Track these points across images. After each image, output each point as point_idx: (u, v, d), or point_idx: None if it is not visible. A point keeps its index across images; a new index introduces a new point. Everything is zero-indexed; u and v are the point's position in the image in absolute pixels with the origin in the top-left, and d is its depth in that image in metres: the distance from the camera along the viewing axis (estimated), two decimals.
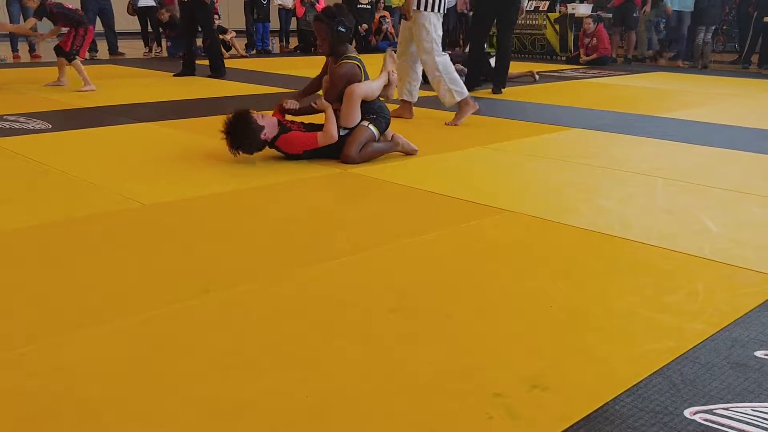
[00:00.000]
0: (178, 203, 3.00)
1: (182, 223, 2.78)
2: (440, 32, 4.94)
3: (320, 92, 4.04)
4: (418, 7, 4.82)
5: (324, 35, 3.80)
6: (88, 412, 1.49)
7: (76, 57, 6.43)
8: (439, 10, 4.87)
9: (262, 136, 3.63)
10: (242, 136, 3.58)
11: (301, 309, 2.00)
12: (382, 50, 12.47)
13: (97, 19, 9.85)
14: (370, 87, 3.82)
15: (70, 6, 6.61)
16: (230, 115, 3.62)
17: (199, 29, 7.75)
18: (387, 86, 3.97)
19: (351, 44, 3.94)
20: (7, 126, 4.57)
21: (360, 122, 3.77)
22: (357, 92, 3.73)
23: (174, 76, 7.84)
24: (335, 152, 3.74)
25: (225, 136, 3.60)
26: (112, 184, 3.27)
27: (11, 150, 3.95)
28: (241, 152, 3.66)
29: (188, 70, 7.87)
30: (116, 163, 3.68)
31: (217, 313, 1.96)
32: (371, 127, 3.80)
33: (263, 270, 2.28)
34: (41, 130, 4.52)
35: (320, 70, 4.11)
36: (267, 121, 3.65)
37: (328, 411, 1.50)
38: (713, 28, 10.06)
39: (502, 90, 6.72)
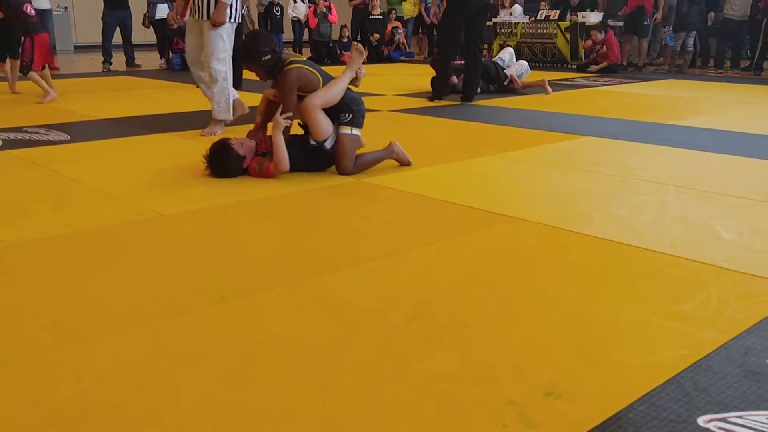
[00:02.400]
0: (194, 213, 3.05)
1: (199, 232, 2.82)
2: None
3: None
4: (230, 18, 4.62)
5: (256, 71, 3.67)
6: (107, 419, 1.52)
7: (30, 70, 6.40)
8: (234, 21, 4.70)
9: (244, 165, 3.65)
10: (225, 166, 3.61)
11: (316, 317, 2.03)
12: (395, 60, 12.55)
13: (117, 30, 9.99)
14: (329, 93, 3.59)
15: (31, 11, 6.56)
16: (210, 147, 3.64)
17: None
18: (354, 80, 3.78)
19: (280, 58, 3.67)
20: (27, 137, 4.65)
21: (339, 129, 3.63)
22: (314, 104, 3.54)
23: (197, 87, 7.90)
24: (325, 163, 3.72)
25: (207, 167, 3.63)
26: (130, 194, 3.32)
27: (32, 161, 4.02)
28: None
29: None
30: (135, 174, 3.74)
31: (233, 322, 2.00)
32: (353, 131, 3.67)
33: (279, 279, 2.31)
34: (60, 142, 4.59)
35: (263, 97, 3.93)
36: (246, 149, 3.65)
37: (344, 419, 1.53)
38: (694, 33, 10.19)
39: (472, 101, 6.65)
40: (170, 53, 10.62)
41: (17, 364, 1.75)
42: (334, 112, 3.63)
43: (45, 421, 1.52)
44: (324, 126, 3.60)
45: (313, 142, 3.66)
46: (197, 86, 5.07)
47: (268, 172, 3.59)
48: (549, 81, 7.73)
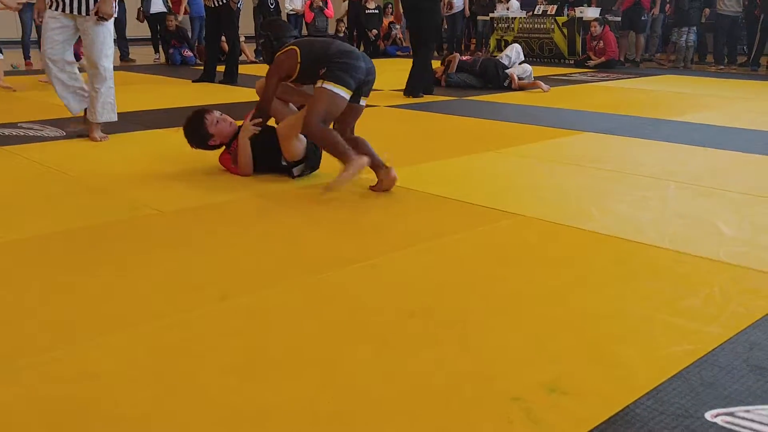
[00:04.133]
0: (194, 210, 3.02)
1: (198, 229, 2.80)
2: None
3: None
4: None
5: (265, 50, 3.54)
6: (109, 417, 1.50)
7: None
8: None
9: (210, 142, 3.59)
10: (190, 135, 3.59)
11: (318, 314, 2.02)
12: (391, 55, 12.52)
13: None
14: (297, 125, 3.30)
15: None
16: (192, 112, 3.63)
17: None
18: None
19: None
20: (22, 133, 4.62)
21: (320, 83, 3.20)
22: (287, 134, 3.32)
23: (193, 82, 7.88)
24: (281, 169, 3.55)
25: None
26: (128, 191, 3.30)
27: (27, 157, 3.98)
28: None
29: (207, 76, 7.88)
30: (131, 170, 3.71)
31: (234, 320, 1.98)
32: (325, 84, 3.17)
33: (280, 276, 2.30)
34: (55, 138, 4.55)
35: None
36: (219, 129, 3.56)
37: (347, 416, 1.51)
38: (695, 29, 10.18)
39: (420, 95, 6.61)
40: (170, 49, 10.55)
41: (16, 364, 1.73)
42: (314, 69, 3.26)
43: (45, 420, 1.50)
44: (295, 149, 3.41)
45: (284, 163, 3.51)
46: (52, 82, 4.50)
47: (234, 171, 3.58)
48: (547, 76, 7.71)
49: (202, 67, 8.20)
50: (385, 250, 2.53)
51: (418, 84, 6.68)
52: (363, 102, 3.42)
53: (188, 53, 10.43)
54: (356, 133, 3.49)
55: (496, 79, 7.40)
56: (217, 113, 3.61)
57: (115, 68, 4.55)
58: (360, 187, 3.43)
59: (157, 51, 11.10)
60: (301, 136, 3.38)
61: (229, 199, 3.17)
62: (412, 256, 2.48)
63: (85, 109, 4.48)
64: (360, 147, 3.33)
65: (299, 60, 3.27)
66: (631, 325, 1.96)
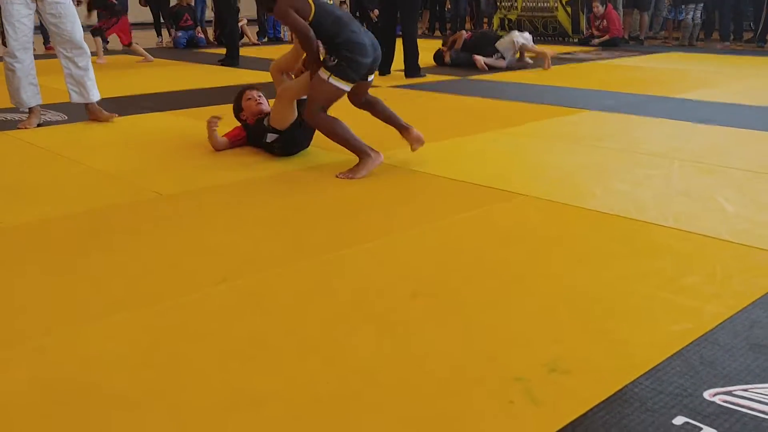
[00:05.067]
0: (194, 193, 3.03)
1: (199, 212, 2.80)
2: None
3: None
4: None
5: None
6: (108, 401, 1.51)
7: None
8: None
9: (241, 116, 3.79)
10: (233, 104, 3.84)
11: (319, 296, 2.02)
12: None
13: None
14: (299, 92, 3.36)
15: None
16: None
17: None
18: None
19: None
20: (25, 118, 4.61)
21: (325, 74, 3.15)
22: (288, 96, 3.35)
23: (219, 62, 7.94)
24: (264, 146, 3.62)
25: None
26: (129, 174, 3.30)
27: (29, 142, 3.99)
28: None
29: (231, 60, 7.82)
30: (132, 154, 3.71)
31: (235, 302, 1.99)
32: (330, 79, 3.13)
33: (280, 258, 2.30)
34: (57, 122, 4.55)
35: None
36: (248, 106, 3.75)
37: (349, 397, 1.52)
38: (701, 6, 10.04)
39: (420, 75, 6.56)
40: (177, 31, 10.47)
41: (18, 347, 1.74)
42: (323, 46, 3.19)
43: (47, 403, 1.51)
44: (283, 117, 3.42)
45: (267, 140, 3.54)
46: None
47: (232, 136, 3.76)
48: (552, 56, 7.59)
49: (207, 50, 8.18)
50: (386, 231, 2.53)
51: (417, 62, 6.65)
52: (371, 78, 3.42)
53: (200, 34, 10.39)
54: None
55: (489, 49, 7.28)
56: (256, 93, 3.78)
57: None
58: None
59: (159, 35, 11.03)
60: (294, 109, 3.45)
61: (229, 182, 3.17)
62: (414, 237, 2.48)
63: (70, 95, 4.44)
64: (377, 108, 3.45)
65: (313, 12, 3.13)
66: (631, 303, 1.96)
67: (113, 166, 3.46)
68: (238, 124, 3.82)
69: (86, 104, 4.49)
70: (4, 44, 4.17)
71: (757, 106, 4.97)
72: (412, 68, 6.61)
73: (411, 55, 6.61)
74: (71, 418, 1.46)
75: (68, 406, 1.50)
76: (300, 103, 3.48)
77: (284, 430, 1.41)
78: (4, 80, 4.37)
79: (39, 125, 4.40)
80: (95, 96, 4.45)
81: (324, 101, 3.21)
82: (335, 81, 3.14)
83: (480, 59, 7.20)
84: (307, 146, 3.68)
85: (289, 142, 3.57)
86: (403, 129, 3.40)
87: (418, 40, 6.71)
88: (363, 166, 3.20)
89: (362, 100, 3.47)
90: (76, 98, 4.44)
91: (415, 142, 3.39)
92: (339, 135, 3.24)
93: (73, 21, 4.26)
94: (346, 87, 3.19)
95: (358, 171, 3.20)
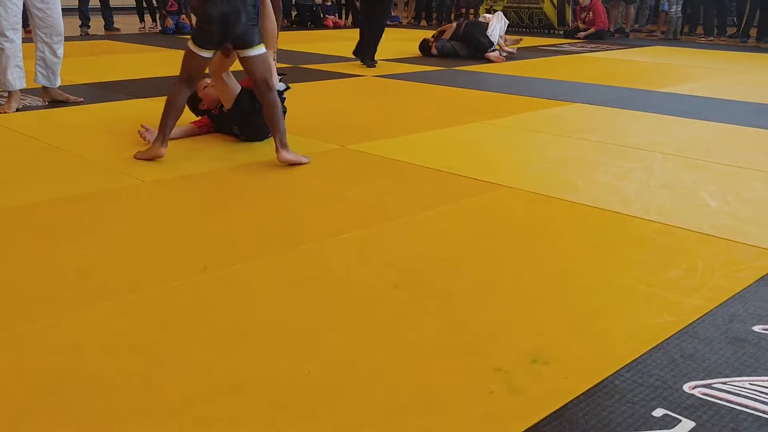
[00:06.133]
0: (176, 180, 2.99)
1: (181, 200, 2.77)
2: None
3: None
4: None
5: None
6: (88, 389, 1.50)
7: None
8: None
9: (200, 106, 3.78)
10: (189, 102, 3.68)
11: (301, 286, 2.01)
12: (394, 23, 12.36)
13: None
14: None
15: None
16: None
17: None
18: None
19: None
20: (3, 102, 4.53)
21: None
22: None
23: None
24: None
25: None
26: (111, 161, 3.25)
27: (8, 127, 3.92)
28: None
29: None
30: (114, 140, 3.66)
31: (216, 291, 1.97)
32: (190, 45, 3.23)
33: (262, 247, 2.28)
34: (37, 107, 4.48)
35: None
36: (206, 94, 3.75)
37: (329, 387, 1.51)
38: (682, 0, 10.11)
39: (374, 63, 6.62)
40: (167, 15, 10.31)
41: (1, 335, 1.71)
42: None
43: (27, 391, 1.49)
44: (225, 93, 3.56)
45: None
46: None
47: (200, 123, 3.77)
48: (536, 47, 7.60)
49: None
50: (369, 222, 2.52)
51: (374, 50, 6.67)
52: (252, 52, 3.21)
53: (185, 19, 10.23)
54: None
55: (478, 45, 7.29)
56: (207, 80, 3.71)
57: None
58: (342, 159, 3.41)
59: (142, 20, 10.89)
60: (231, 83, 3.55)
61: (211, 170, 3.14)
62: (397, 228, 2.47)
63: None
64: (263, 105, 3.29)
65: None
66: (613, 296, 1.96)
67: (94, 151, 3.41)
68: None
69: (47, 87, 4.55)
70: None
71: (741, 101, 5.01)
72: (367, 54, 6.61)
73: (370, 42, 6.61)
74: (53, 405, 1.44)
75: (49, 393, 1.48)
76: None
77: (265, 418, 1.40)
78: None
79: (18, 110, 4.34)
80: (58, 82, 4.56)
81: (186, 66, 3.27)
82: (192, 46, 3.23)
83: (494, 56, 7.20)
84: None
85: (249, 127, 3.62)
86: (277, 145, 3.21)
87: (408, 30, 6.69)
88: (149, 151, 3.25)
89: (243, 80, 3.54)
90: (42, 81, 4.48)
91: (281, 160, 3.20)
92: (165, 108, 3.28)
93: (59, 9, 4.34)
94: (203, 53, 3.21)
95: (145, 153, 3.27)
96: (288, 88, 3.71)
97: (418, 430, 1.38)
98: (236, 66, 3.43)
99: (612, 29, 10.55)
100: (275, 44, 3.47)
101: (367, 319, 1.82)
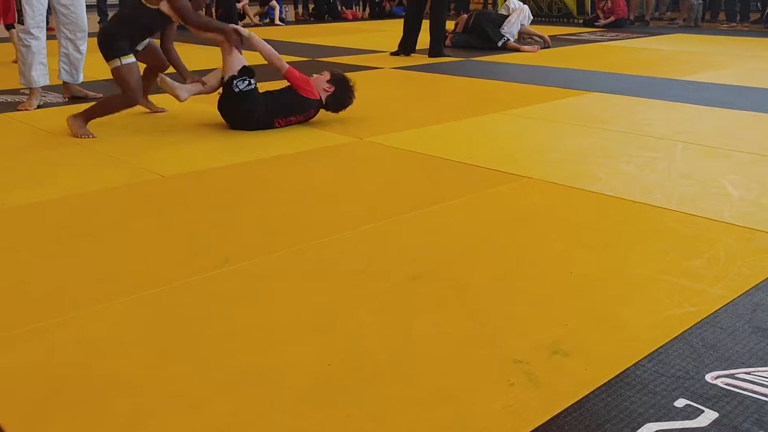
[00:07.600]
0: (196, 174, 3.02)
1: (201, 194, 2.79)
2: None
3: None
4: None
5: None
6: (109, 384, 1.51)
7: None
8: None
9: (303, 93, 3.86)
10: None
11: (321, 278, 2.02)
12: (397, 16, 12.33)
13: None
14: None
15: None
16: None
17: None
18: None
19: None
20: (24, 99, 4.59)
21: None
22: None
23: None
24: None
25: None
26: (130, 155, 3.29)
27: (29, 123, 3.97)
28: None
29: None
30: (133, 135, 3.69)
31: (237, 284, 1.98)
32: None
33: (282, 240, 2.29)
34: (57, 104, 4.53)
35: None
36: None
37: (349, 379, 1.52)
38: None
39: (444, 54, 6.70)
40: None
41: (16, 330, 1.74)
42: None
43: (44, 387, 1.51)
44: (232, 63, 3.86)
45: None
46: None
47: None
48: (555, 36, 7.54)
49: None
50: (388, 213, 2.52)
51: (441, 44, 6.77)
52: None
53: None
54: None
55: (487, 38, 7.24)
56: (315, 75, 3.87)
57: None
58: (360, 151, 3.41)
59: None
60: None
61: (231, 164, 3.16)
62: (417, 220, 2.47)
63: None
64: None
65: None
66: (634, 286, 1.95)
67: (112, 146, 3.44)
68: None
69: (68, 83, 4.61)
70: (20, 22, 4.25)
71: (763, 89, 4.93)
72: (435, 49, 6.70)
73: (436, 37, 6.71)
74: (70, 401, 1.45)
75: (67, 389, 1.50)
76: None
77: (285, 409, 1.41)
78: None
79: (39, 107, 4.39)
80: (81, 78, 4.63)
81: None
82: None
83: (526, 48, 7.17)
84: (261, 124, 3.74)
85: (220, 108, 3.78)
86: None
87: (425, 21, 6.74)
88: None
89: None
90: (65, 77, 4.54)
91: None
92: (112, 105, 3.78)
93: (83, 5, 4.41)
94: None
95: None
96: (250, 85, 3.78)
97: (438, 421, 1.38)
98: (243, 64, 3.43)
99: (632, 17, 10.42)
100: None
101: (386, 311, 1.82)
